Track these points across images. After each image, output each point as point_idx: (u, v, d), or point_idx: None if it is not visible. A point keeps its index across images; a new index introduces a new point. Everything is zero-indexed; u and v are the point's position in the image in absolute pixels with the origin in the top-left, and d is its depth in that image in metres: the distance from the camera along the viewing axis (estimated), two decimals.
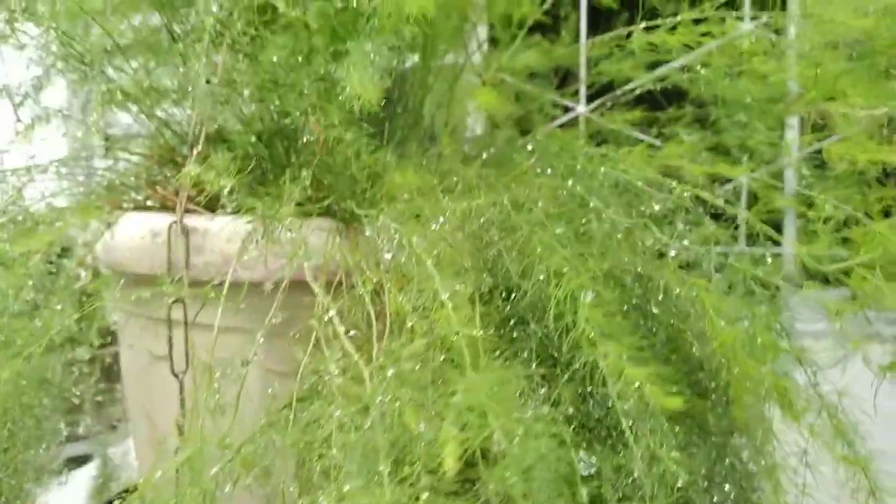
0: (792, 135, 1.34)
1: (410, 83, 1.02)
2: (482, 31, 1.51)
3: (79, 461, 1.31)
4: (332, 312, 0.55)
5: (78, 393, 0.90)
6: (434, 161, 0.76)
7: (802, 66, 0.72)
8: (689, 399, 0.69)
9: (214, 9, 0.65)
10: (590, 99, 1.39)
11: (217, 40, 0.68)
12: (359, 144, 0.64)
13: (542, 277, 0.51)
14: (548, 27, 1.41)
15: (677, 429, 0.57)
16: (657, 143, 1.05)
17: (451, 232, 0.54)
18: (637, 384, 0.43)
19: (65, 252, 0.87)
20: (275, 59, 0.67)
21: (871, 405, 0.64)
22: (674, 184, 0.63)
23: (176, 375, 0.78)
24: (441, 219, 0.54)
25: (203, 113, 0.67)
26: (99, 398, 1.25)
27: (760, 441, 0.65)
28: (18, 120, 1.01)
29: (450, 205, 0.55)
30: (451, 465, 0.34)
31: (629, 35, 0.91)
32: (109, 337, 1.02)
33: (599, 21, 1.55)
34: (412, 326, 0.47)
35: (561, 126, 1.41)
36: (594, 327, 0.47)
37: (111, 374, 1.16)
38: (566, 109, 1.43)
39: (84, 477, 1.25)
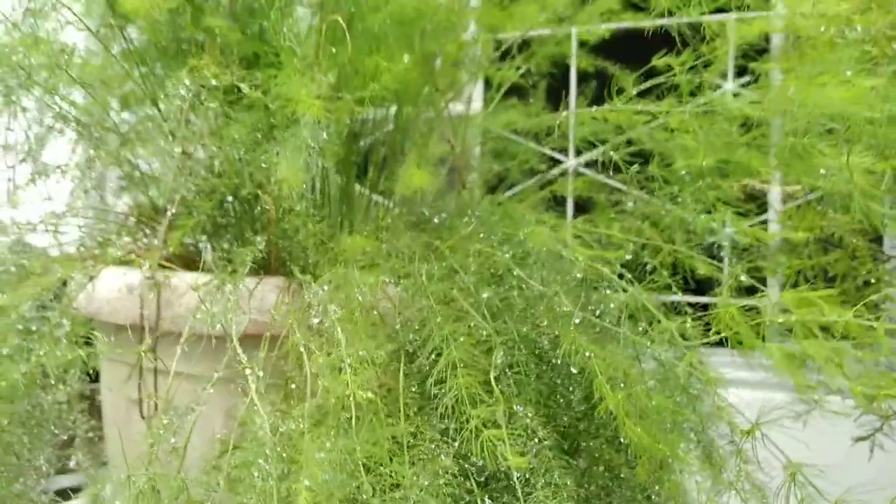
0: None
1: (382, 148, 1.09)
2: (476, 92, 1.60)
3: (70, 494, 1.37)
4: (253, 369, 0.61)
5: (58, 431, 0.96)
6: (384, 227, 0.83)
7: (706, 146, 0.78)
8: (606, 452, 0.75)
9: (183, 91, 0.73)
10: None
11: (186, 118, 0.76)
12: (305, 216, 0.71)
13: (439, 342, 0.58)
14: (524, 90, 1.49)
15: (576, 482, 0.63)
16: (644, 197, 1.11)
17: (372, 300, 0.61)
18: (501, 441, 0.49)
19: (56, 299, 0.95)
20: (236, 135, 0.75)
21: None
22: (578, 256, 0.69)
23: (144, 418, 0.85)
24: (361, 288, 0.60)
25: (173, 183, 0.75)
26: (90, 434, 1.32)
27: (668, 495, 0.70)
28: (10, 180, 1.10)
29: (367, 279, 0.62)
30: None
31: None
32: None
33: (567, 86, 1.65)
34: (324, 385, 0.53)
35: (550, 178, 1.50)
36: (464, 390, 0.53)
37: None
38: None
39: None
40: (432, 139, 1.22)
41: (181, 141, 0.77)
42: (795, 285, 1.06)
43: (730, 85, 1.78)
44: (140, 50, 0.91)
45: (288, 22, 0.71)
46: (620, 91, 0.96)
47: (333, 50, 0.76)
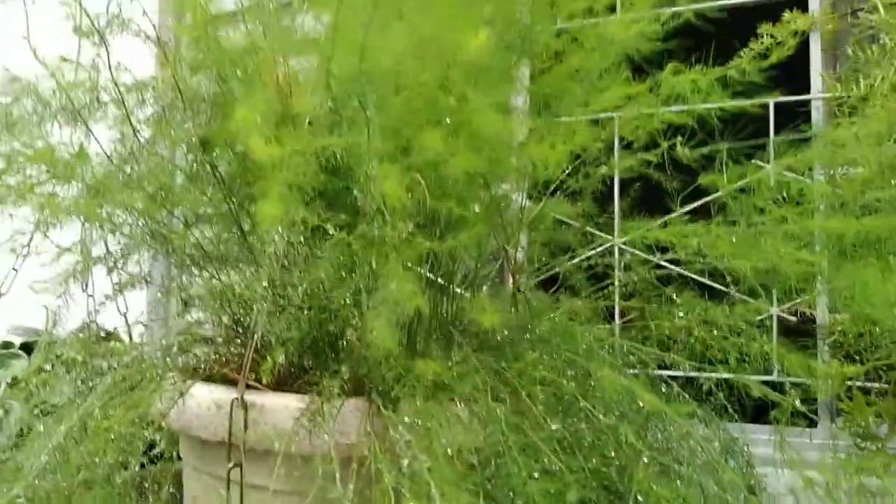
0: None
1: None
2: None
3: None
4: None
5: None
6: (456, 350, 0.89)
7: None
8: None
9: (276, 238, 0.81)
10: None
11: (276, 257, 0.84)
12: (390, 351, 0.77)
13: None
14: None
15: None
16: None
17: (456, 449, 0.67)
18: None
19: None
20: (323, 274, 0.83)
21: None
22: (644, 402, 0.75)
23: None
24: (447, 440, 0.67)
25: (263, 320, 0.82)
26: None
27: None
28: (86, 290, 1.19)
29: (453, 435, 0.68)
30: None
31: None
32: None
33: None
34: None
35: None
36: None
37: None
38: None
39: None
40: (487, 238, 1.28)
41: (269, 274, 0.85)
42: (849, 390, 1.09)
43: (770, 166, 1.84)
44: (229, 181, 1.00)
45: (369, 175, 0.79)
46: (668, 212, 1.03)
47: (410, 195, 0.83)
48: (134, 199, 0.97)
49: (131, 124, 0.95)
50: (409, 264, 0.81)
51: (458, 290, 1.10)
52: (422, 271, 1.01)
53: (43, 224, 1.10)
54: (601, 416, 0.76)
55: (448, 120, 0.70)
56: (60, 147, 1.06)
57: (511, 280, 1.26)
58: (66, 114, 0.94)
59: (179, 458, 1.11)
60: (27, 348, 1.91)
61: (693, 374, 1.02)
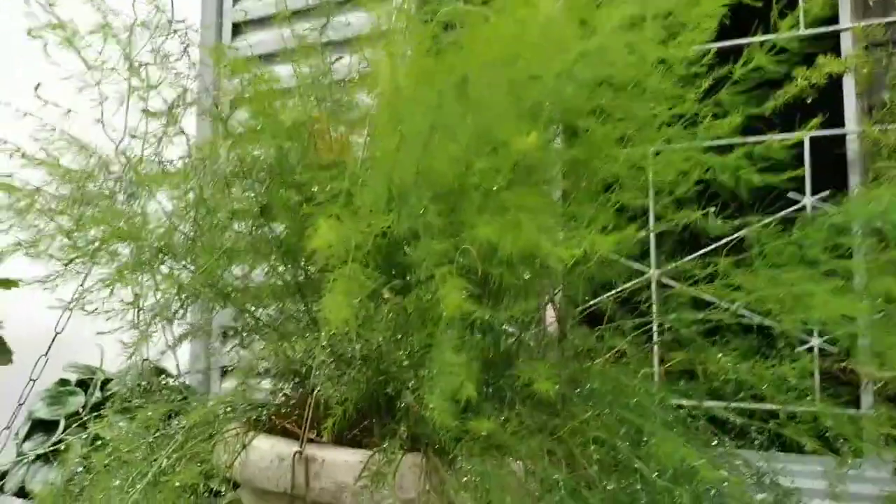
0: None
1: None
2: None
3: None
4: None
5: None
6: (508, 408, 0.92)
7: None
8: None
9: None
10: None
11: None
12: (447, 415, 0.81)
13: None
14: None
15: None
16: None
17: None
18: None
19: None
20: (380, 338, 0.87)
21: None
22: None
23: None
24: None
25: (321, 382, 0.87)
26: None
27: None
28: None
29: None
30: None
31: None
32: None
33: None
34: None
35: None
36: None
37: None
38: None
39: None
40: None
41: (328, 339, 0.89)
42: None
43: (808, 199, 1.83)
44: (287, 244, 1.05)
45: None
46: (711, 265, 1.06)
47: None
48: (196, 259, 1.02)
49: (196, 192, 1.00)
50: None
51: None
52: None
53: (109, 281, 1.16)
54: (656, 479, 0.78)
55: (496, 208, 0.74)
56: (125, 210, 1.12)
57: (557, 324, 1.29)
58: (134, 186, 1.00)
59: None
60: (83, 385, 1.98)
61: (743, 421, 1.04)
